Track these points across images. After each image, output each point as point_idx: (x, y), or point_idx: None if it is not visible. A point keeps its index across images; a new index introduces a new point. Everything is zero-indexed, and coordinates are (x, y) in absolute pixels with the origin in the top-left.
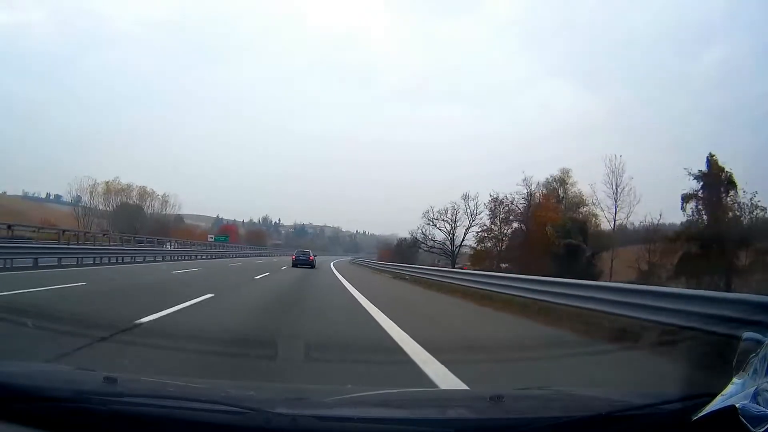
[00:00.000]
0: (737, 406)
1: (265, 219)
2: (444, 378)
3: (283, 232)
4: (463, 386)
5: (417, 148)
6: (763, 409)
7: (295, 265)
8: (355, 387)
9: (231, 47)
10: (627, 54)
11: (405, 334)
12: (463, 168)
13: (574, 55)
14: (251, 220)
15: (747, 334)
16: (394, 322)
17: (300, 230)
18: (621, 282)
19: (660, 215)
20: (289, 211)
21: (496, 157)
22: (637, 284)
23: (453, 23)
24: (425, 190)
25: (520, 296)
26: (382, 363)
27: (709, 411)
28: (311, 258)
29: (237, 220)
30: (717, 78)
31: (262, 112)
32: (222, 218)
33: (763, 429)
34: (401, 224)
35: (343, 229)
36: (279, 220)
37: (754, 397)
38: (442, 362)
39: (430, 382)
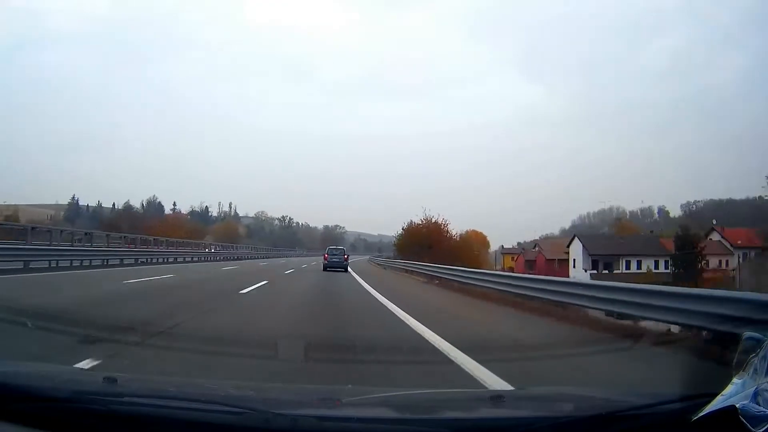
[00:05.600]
0: (737, 406)
1: (151, 202)
2: None
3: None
4: None
5: (360, 142)
6: (763, 409)
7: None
8: (356, 388)
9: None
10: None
11: None
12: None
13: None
14: (128, 203)
15: (747, 334)
16: None
17: (202, 215)
18: None
19: None
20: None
21: (443, 153)
22: None
23: (404, 15)
24: (367, 184)
25: None
26: None
27: (709, 411)
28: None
29: (104, 205)
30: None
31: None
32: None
33: (763, 429)
34: (344, 218)
35: (293, 220)
36: (174, 205)
37: (754, 397)
38: None
39: None
